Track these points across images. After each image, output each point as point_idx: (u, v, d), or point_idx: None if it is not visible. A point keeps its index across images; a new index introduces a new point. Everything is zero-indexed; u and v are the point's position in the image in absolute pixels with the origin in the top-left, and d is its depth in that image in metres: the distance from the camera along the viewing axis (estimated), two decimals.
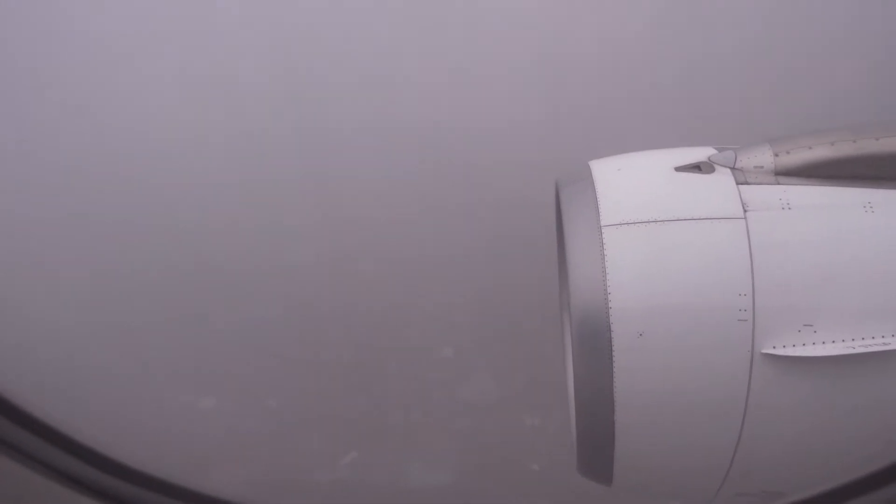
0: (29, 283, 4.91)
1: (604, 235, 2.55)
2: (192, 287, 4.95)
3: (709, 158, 2.73)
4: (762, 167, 2.69)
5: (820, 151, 2.67)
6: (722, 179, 2.65)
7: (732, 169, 2.69)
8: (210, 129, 4.63)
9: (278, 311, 5.06)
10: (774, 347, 2.47)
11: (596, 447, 2.64)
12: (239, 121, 4.61)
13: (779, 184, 2.65)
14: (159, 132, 4.60)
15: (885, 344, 2.47)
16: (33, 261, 4.85)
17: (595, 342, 2.50)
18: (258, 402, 5.29)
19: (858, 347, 2.47)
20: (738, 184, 2.63)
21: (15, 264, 4.83)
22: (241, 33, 4.48)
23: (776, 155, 2.70)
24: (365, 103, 4.59)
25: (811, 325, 2.47)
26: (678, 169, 2.69)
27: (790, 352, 2.46)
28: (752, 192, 2.60)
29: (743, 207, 2.55)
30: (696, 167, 2.70)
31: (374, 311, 5.05)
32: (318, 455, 5.50)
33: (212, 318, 5.06)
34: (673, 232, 2.53)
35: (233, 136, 4.64)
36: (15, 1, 4.34)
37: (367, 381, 5.25)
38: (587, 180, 2.72)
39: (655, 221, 2.54)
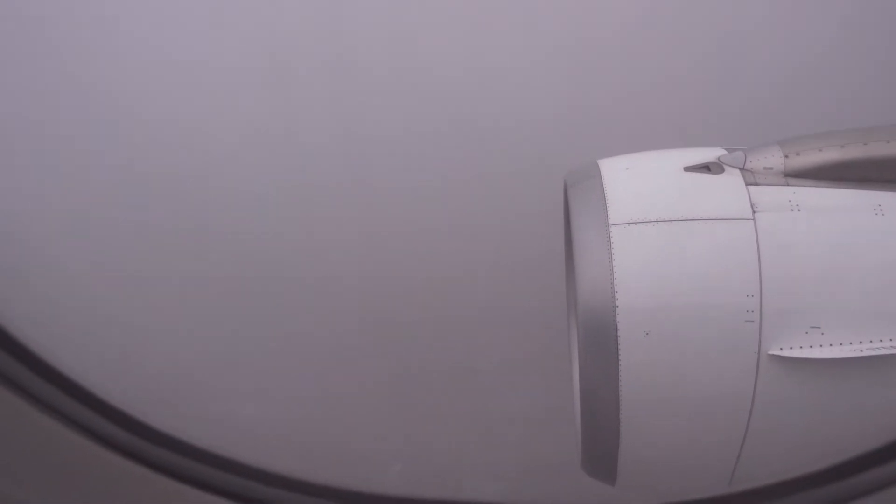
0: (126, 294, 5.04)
1: (612, 234, 2.55)
2: (228, 297, 4.99)
3: (718, 159, 2.73)
4: (772, 168, 2.68)
5: (830, 154, 2.67)
6: (731, 180, 2.64)
7: (742, 170, 2.68)
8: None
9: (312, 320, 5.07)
10: (781, 349, 2.46)
11: (601, 445, 2.64)
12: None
13: (788, 185, 2.64)
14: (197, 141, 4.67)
15: (892, 347, 2.47)
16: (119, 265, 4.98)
17: (601, 340, 2.50)
18: (304, 408, 5.31)
19: (866, 350, 2.46)
20: (747, 185, 2.63)
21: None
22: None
23: (786, 156, 2.69)
24: (377, 105, 4.59)
25: (819, 327, 2.47)
26: (687, 169, 2.69)
27: (797, 353, 2.46)
28: (762, 193, 2.60)
29: (752, 208, 2.55)
30: (706, 167, 2.70)
31: (406, 321, 5.02)
32: (363, 465, 5.49)
33: (250, 327, 5.08)
34: (681, 232, 2.52)
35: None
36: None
37: (411, 391, 5.23)
38: (596, 179, 2.71)
39: (664, 221, 2.54)
